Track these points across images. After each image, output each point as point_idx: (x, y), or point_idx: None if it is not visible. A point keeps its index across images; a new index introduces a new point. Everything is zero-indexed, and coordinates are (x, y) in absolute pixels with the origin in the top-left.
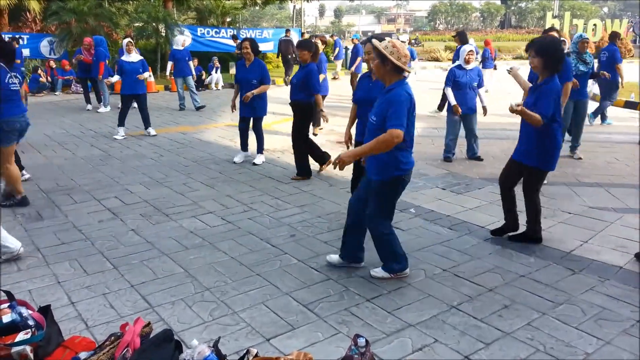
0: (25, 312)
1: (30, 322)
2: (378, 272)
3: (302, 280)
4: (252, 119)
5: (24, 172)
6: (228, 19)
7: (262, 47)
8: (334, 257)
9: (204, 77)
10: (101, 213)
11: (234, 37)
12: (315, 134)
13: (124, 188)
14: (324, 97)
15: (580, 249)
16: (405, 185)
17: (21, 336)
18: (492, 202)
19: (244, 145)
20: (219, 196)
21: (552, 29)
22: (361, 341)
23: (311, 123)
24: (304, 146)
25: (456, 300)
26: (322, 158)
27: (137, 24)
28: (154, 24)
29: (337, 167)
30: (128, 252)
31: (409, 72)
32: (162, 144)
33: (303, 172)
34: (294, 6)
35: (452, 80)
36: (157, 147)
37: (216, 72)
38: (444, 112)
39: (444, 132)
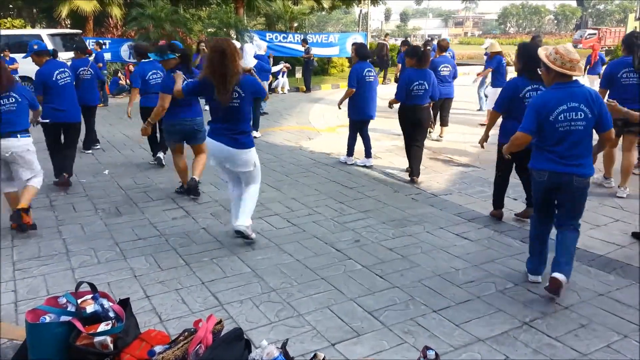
0: (106, 303)
1: (111, 314)
2: None
3: (367, 286)
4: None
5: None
6: (295, 24)
7: (328, 51)
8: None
9: (270, 80)
10: (175, 211)
11: (304, 41)
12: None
13: None
14: (449, 99)
15: None
16: (539, 186)
17: (103, 327)
18: None
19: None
20: (284, 199)
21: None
22: (430, 353)
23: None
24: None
25: (529, 317)
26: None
27: (209, 30)
28: (225, 29)
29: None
30: (199, 249)
31: (580, 74)
32: None
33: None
34: (360, 10)
35: None
36: None
37: (282, 77)
38: None
39: None
